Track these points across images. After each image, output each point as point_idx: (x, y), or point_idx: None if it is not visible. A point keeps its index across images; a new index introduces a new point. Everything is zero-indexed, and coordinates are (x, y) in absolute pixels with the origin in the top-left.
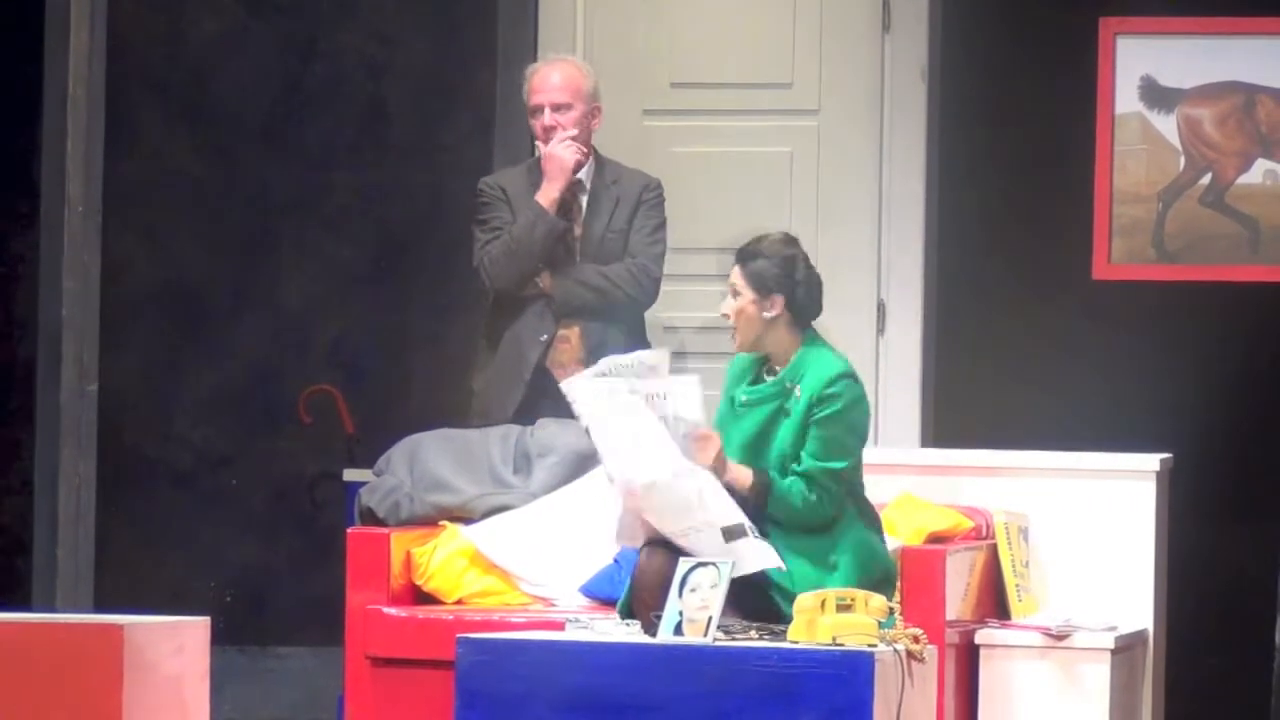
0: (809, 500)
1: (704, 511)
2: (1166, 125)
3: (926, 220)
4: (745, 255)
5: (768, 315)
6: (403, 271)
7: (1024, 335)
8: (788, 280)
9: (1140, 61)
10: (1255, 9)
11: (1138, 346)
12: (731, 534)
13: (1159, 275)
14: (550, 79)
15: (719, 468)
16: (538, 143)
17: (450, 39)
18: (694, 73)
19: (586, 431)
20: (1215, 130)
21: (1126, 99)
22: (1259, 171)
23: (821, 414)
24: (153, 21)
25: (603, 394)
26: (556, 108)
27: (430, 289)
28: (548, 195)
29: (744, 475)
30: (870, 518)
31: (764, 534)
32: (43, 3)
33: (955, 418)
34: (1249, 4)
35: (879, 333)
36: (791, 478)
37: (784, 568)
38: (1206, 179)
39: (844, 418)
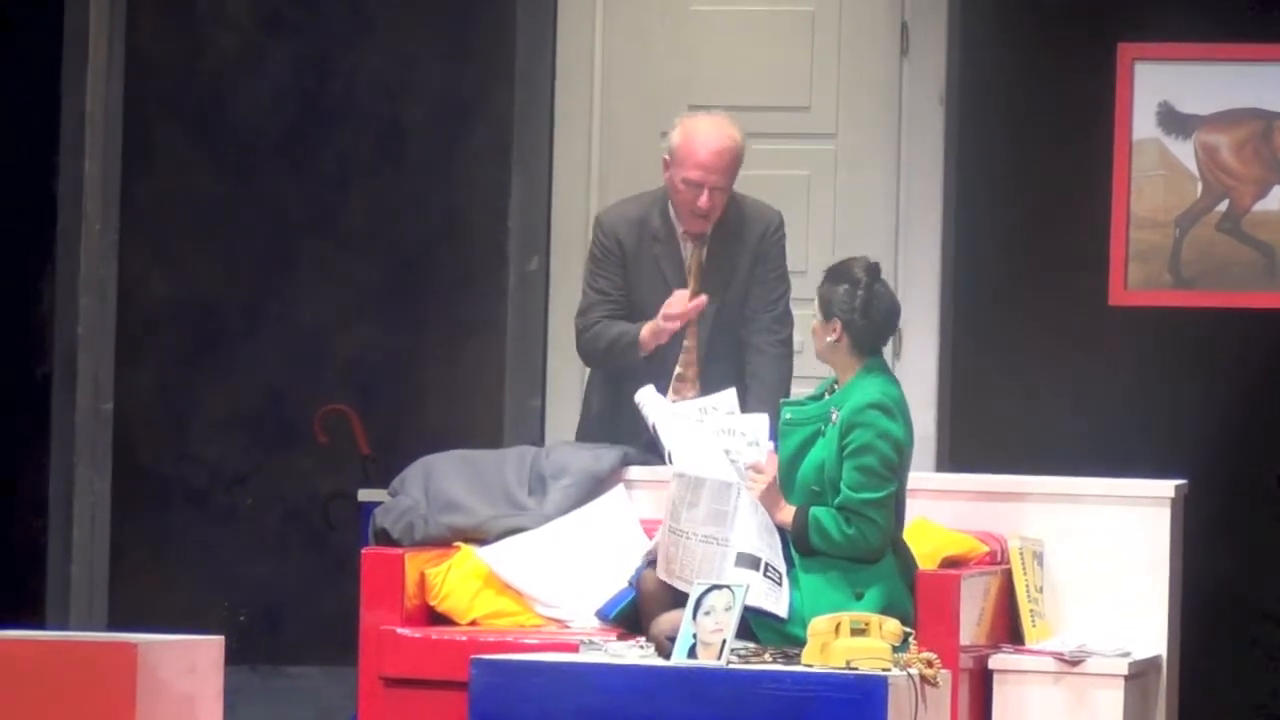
0: (847, 533)
1: (729, 529)
2: (1184, 151)
3: (943, 244)
4: (824, 277)
5: (829, 339)
6: (419, 291)
7: (1040, 360)
8: (846, 308)
9: (1158, 87)
10: (1274, 36)
11: (1153, 372)
12: (744, 561)
13: (1175, 301)
14: (719, 157)
15: (771, 503)
16: (673, 214)
17: (467, 59)
18: (712, 95)
19: (653, 429)
20: (1233, 157)
21: (1144, 125)
22: (1276, 198)
23: (849, 445)
24: (170, 41)
25: (671, 408)
26: (715, 189)
27: (446, 309)
28: (655, 335)
29: (789, 513)
30: (905, 561)
31: (791, 566)
32: (61, 22)
33: (970, 442)
34: (1268, 31)
35: (895, 356)
36: (829, 510)
37: (785, 617)
38: (1223, 205)
39: (871, 449)
